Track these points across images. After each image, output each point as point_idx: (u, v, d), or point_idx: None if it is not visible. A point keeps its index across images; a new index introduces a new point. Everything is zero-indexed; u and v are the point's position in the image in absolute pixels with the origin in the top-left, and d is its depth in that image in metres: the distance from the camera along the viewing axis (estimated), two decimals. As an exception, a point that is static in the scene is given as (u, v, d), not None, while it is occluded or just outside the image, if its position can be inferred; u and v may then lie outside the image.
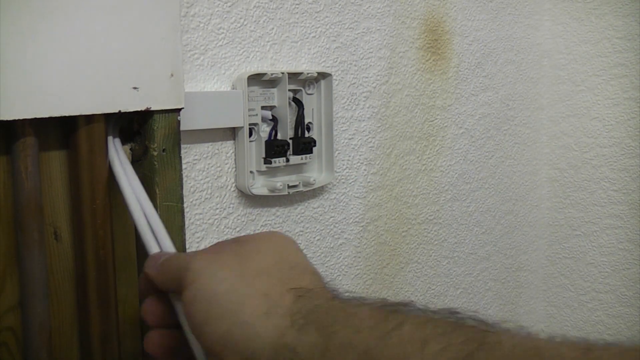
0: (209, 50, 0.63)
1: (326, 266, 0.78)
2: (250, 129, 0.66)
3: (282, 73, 0.66)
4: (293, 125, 0.70)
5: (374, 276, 0.84)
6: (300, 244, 0.74)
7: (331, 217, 0.77)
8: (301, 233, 0.74)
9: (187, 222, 0.62)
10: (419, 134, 0.88)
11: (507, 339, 0.30)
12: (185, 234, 0.56)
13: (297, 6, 0.70)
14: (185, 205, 0.57)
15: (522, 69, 1.06)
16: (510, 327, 0.32)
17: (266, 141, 0.67)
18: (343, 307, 0.35)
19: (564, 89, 1.10)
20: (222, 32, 0.64)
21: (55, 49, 0.45)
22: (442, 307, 0.34)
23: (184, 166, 0.61)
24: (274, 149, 0.67)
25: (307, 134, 0.71)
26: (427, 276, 0.93)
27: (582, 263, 1.13)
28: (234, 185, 0.66)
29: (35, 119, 0.44)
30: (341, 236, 0.79)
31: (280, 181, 0.68)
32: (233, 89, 0.64)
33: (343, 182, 0.78)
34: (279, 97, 0.68)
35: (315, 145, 0.71)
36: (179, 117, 0.54)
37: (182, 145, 0.58)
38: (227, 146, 0.65)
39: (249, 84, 0.64)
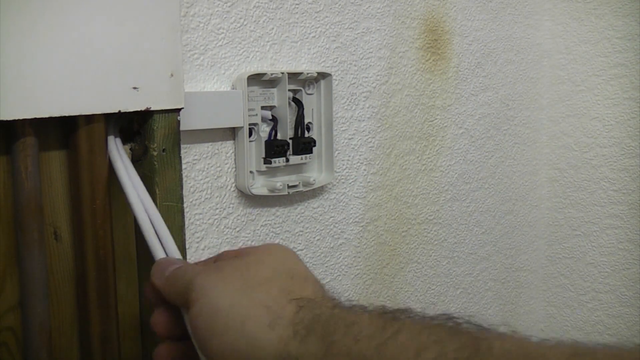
0: (208, 50, 0.63)
1: (326, 266, 0.78)
2: (250, 129, 0.66)
3: (282, 73, 0.66)
4: (293, 125, 0.70)
5: (374, 276, 0.84)
6: (300, 244, 0.74)
7: (331, 217, 0.77)
8: (301, 233, 0.74)
9: (187, 222, 0.62)
10: (419, 134, 0.88)
11: (499, 344, 0.31)
12: (185, 234, 0.56)
13: (297, 6, 0.70)
14: (185, 205, 0.57)
15: (522, 69, 1.06)
16: (504, 331, 0.33)
17: (266, 141, 0.67)
18: (343, 316, 0.35)
19: (564, 89, 1.10)
20: (222, 32, 0.64)
21: (55, 49, 0.45)
22: (440, 313, 0.34)
23: (183, 166, 0.61)
24: (274, 149, 0.67)
25: (307, 134, 0.71)
26: (427, 276, 0.93)
27: (582, 263, 1.13)
28: (233, 185, 0.66)
29: (35, 119, 0.44)
30: (341, 236, 0.79)
31: (280, 181, 0.68)
32: (233, 89, 0.64)
33: (343, 182, 0.78)
34: (278, 97, 0.68)
35: (315, 145, 0.71)
36: (178, 117, 0.54)
37: (182, 145, 0.58)
38: (227, 146, 0.65)
39: (248, 84, 0.64)
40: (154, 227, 0.48)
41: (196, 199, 0.63)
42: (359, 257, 0.82)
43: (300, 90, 0.70)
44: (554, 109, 1.12)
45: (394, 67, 0.83)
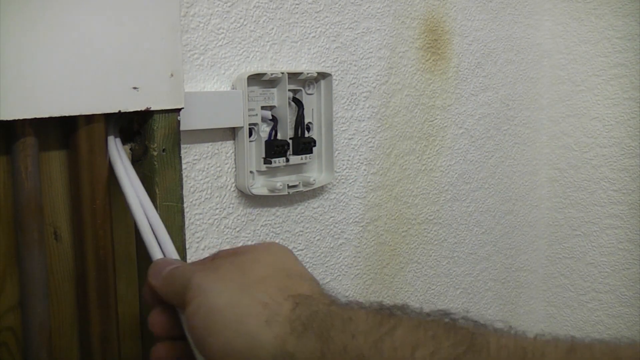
0: (208, 50, 0.63)
1: (326, 266, 0.78)
2: (250, 129, 0.66)
3: (282, 73, 0.66)
4: (293, 125, 0.70)
5: (374, 276, 0.84)
6: (300, 244, 0.74)
7: (331, 217, 0.77)
8: (301, 233, 0.74)
9: (187, 222, 0.62)
10: (419, 134, 0.88)
11: (495, 340, 0.31)
12: (185, 234, 0.56)
13: (297, 6, 0.70)
14: (185, 205, 0.57)
15: (522, 69, 1.06)
16: (500, 327, 0.33)
17: (266, 141, 0.67)
18: (340, 313, 0.35)
19: (564, 89, 1.10)
20: (222, 32, 0.64)
21: (55, 49, 0.45)
22: (436, 309, 0.35)
23: (184, 166, 0.61)
24: (274, 149, 0.67)
25: (307, 134, 0.71)
26: (427, 276, 0.93)
27: (582, 263, 1.13)
28: (233, 185, 0.66)
29: (35, 119, 0.44)
30: (341, 236, 0.79)
31: (280, 181, 0.68)
32: (233, 89, 0.64)
33: (343, 182, 0.78)
34: (278, 97, 0.68)
35: (315, 145, 0.71)
36: (178, 117, 0.54)
37: (182, 145, 0.58)
38: (227, 146, 0.65)
39: (248, 84, 0.64)
40: (152, 228, 0.48)
41: (196, 199, 0.63)
42: (359, 257, 0.82)
43: (300, 90, 0.70)
44: (554, 109, 1.12)
45: (394, 67, 0.83)
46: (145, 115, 0.52)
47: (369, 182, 0.82)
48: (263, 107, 0.67)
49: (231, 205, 0.66)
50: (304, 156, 0.70)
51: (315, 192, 0.75)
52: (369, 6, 0.78)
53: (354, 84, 0.78)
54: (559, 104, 1.11)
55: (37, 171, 0.47)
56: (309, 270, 0.42)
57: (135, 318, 0.56)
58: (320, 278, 0.77)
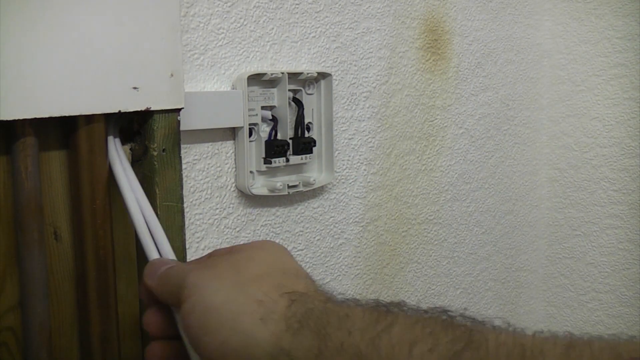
0: (208, 50, 0.63)
1: (326, 266, 0.78)
2: (250, 129, 0.66)
3: (282, 73, 0.66)
4: (293, 125, 0.70)
5: (374, 276, 0.84)
6: (300, 244, 0.74)
7: (331, 217, 0.77)
8: (301, 233, 0.74)
9: (187, 222, 0.62)
10: (419, 134, 0.88)
11: (493, 337, 0.31)
12: (185, 234, 0.56)
13: (297, 6, 0.70)
14: (185, 205, 0.57)
15: (522, 69, 1.06)
16: (498, 324, 0.33)
17: (266, 141, 0.67)
18: (336, 310, 0.35)
19: (564, 89, 1.10)
20: (222, 32, 0.64)
21: (55, 49, 0.45)
22: (434, 307, 0.34)
23: (184, 166, 0.61)
24: (274, 149, 0.67)
25: (307, 134, 0.71)
26: (427, 276, 0.93)
27: (582, 263, 1.13)
28: (233, 185, 0.66)
29: (35, 119, 0.44)
30: (341, 236, 0.79)
31: (280, 181, 0.68)
32: (233, 89, 0.64)
33: (343, 182, 0.78)
34: (279, 97, 0.68)
35: (315, 145, 0.71)
36: (178, 117, 0.54)
37: (182, 145, 0.58)
38: (227, 146, 0.65)
39: (248, 84, 0.64)
40: (149, 228, 0.48)
41: (196, 199, 0.63)
42: (359, 257, 0.82)
43: (301, 90, 0.70)
44: (554, 109, 1.12)
45: (394, 67, 0.83)
46: (145, 115, 0.52)
47: (369, 182, 0.82)
48: (263, 107, 0.67)
49: (231, 205, 0.66)
50: (304, 156, 0.70)
51: (315, 192, 0.75)
52: (369, 6, 0.78)
53: (354, 84, 0.78)
54: (559, 104, 1.11)
55: (37, 171, 0.47)
56: (309, 270, 0.42)
57: (135, 318, 0.56)
58: (320, 278, 0.77)
